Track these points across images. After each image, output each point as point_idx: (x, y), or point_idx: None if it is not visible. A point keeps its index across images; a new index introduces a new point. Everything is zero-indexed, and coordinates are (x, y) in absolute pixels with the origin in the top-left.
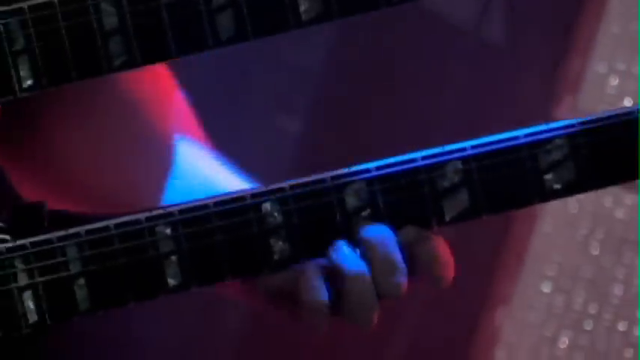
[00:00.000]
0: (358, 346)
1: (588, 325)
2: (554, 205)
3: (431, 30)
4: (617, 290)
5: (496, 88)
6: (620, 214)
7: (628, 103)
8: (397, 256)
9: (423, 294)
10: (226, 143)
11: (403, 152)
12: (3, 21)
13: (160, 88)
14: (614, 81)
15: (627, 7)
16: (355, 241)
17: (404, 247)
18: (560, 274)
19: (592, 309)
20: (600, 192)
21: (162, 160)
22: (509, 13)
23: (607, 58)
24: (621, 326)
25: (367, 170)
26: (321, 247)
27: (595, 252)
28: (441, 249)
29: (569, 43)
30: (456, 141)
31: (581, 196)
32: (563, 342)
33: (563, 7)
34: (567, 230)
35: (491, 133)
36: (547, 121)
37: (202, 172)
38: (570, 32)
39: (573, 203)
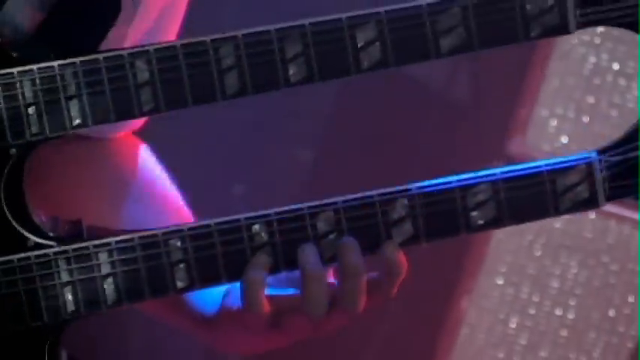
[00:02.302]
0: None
1: (532, 310)
2: None
3: (410, 90)
4: (555, 283)
5: (461, 130)
6: (558, 224)
7: (564, 140)
8: (361, 261)
9: (403, 284)
10: (247, 172)
11: (383, 182)
12: (60, 71)
13: (130, 146)
14: (553, 122)
15: (564, 66)
16: (323, 259)
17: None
18: (510, 271)
19: (535, 298)
20: None
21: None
22: (472, 77)
23: (548, 105)
24: (558, 311)
25: (335, 202)
26: (296, 262)
27: (538, 254)
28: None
29: (519, 94)
30: (425, 176)
31: None
32: (513, 323)
33: (514, 67)
34: (516, 237)
35: (454, 167)
36: (502, 154)
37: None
38: (520, 86)
39: None
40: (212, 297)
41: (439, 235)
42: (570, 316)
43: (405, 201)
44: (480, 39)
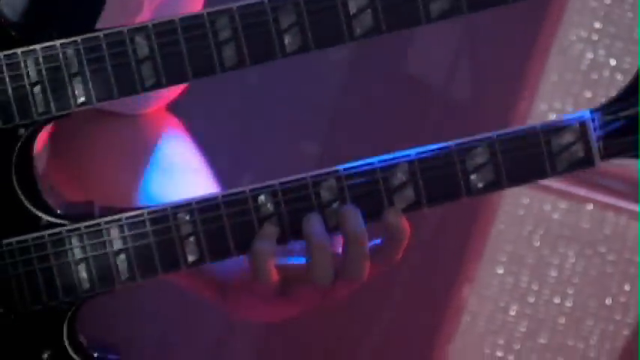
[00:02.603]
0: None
1: (531, 299)
2: (506, 209)
3: (412, 84)
4: (553, 272)
5: (462, 122)
6: (556, 215)
7: None
8: (364, 230)
9: (406, 273)
10: (255, 163)
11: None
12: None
13: (159, 121)
14: (552, 116)
15: (563, 62)
16: (328, 227)
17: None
18: (510, 260)
19: (534, 286)
20: (540, 198)
21: (159, 171)
22: (474, 72)
23: (547, 99)
24: (556, 300)
25: (336, 170)
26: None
27: (537, 244)
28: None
29: (519, 88)
30: None
31: (526, 201)
32: (513, 310)
33: (515, 62)
34: (516, 227)
35: None
36: None
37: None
38: (520, 80)
39: (521, 208)
40: (231, 264)
41: (440, 199)
42: (568, 304)
43: (406, 167)
44: (468, 2)
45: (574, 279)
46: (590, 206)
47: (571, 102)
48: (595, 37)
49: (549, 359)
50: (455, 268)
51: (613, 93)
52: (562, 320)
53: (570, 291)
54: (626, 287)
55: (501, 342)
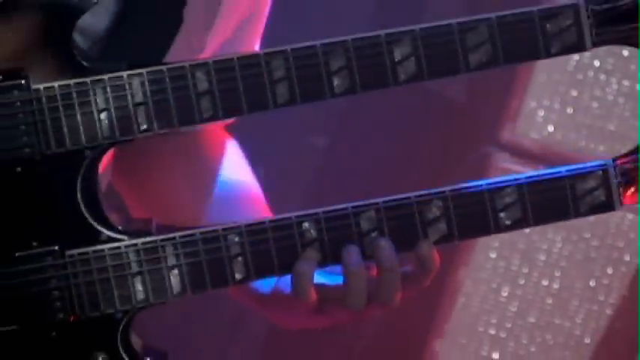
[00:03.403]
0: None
1: (521, 281)
2: None
3: (413, 86)
4: (542, 257)
5: (459, 119)
6: None
7: (551, 128)
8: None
9: (406, 256)
10: (265, 157)
11: (390, 181)
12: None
13: (217, 140)
14: (541, 113)
15: (551, 63)
16: (365, 255)
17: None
18: (502, 246)
19: (524, 269)
20: None
21: (216, 190)
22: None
23: (537, 97)
24: (544, 282)
25: (376, 203)
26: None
27: (527, 230)
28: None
29: (511, 87)
30: (425, 176)
31: None
32: (505, 292)
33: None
34: None
35: (453, 152)
36: (495, 141)
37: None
38: (511, 80)
39: None
40: (274, 280)
41: (471, 234)
42: (555, 285)
43: (440, 202)
44: (504, 55)
45: (561, 262)
46: None
47: (558, 100)
48: None
49: (538, 336)
50: (451, 253)
51: (597, 91)
52: (550, 301)
53: (557, 274)
54: (609, 270)
55: (494, 321)
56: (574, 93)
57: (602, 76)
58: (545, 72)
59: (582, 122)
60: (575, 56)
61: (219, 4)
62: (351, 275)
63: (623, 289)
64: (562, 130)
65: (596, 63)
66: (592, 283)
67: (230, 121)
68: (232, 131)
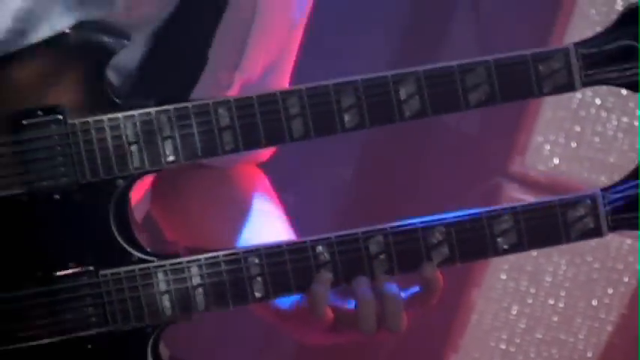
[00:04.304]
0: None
1: (530, 300)
2: None
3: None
4: (548, 278)
5: (471, 151)
6: None
7: (556, 161)
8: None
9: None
10: (292, 187)
11: (410, 207)
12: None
13: (251, 173)
14: (547, 147)
15: (556, 100)
16: (372, 279)
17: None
18: (511, 268)
19: (532, 290)
20: None
21: (243, 219)
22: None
23: (543, 132)
24: (550, 301)
25: (384, 228)
26: (353, 277)
27: (534, 254)
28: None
29: (519, 122)
30: (440, 205)
31: None
32: (514, 310)
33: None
34: None
35: (467, 182)
36: (505, 172)
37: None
38: (520, 116)
39: None
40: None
41: (471, 257)
42: (560, 304)
43: (442, 228)
44: (501, 94)
45: (565, 283)
46: None
47: (563, 135)
48: None
49: (545, 351)
50: (465, 275)
51: (598, 127)
52: (555, 318)
53: (562, 293)
54: (609, 291)
55: (504, 337)
56: (577, 128)
57: (603, 113)
58: (551, 109)
59: (585, 155)
60: (578, 94)
61: (245, 46)
62: (361, 304)
63: (622, 307)
64: (567, 163)
65: (598, 101)
66: (594, 302)
67: (265, 157)
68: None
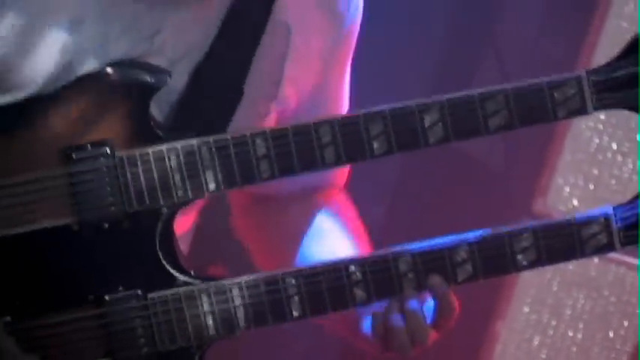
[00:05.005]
0: None
1: (550, 331)
2: None
3: (459, 161)
4: (568, 311)
5: (497, 193)
6: (570, 266)
7: (575, 202)
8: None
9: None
10: None
11: (438, 233)
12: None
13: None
14: (567, 189)
15: (575, 145)
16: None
17: (433, 292)
18: (534, 301)
19: (553, 322)
20: None
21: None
22: (506, 153)
23: (563, 175)
24: (570, 332)
25: (411, 249)
26: (384, 295)
27: (555, 288)
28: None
29: (542, 166)
30: (466, 227)
31: None
32: (536, 341)
33: (537, 146)
34: (538, 276)
35: (493, 221)
36: (528, 212)
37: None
38: (542, 160)
39: None
40: None
41: (493, 273)
42: (579, 336)
43: (466, 247)
44: (519, 119)
45: (584, 316)
46: (596, 259)
47: (582, 177)
48: (600, 126)
49: None
50: (490, 307)
51: (615, 170)
52: (574, 349)
53: (581, 326)
54: (625, 323)
55: None
56: (595, 171)
57: (619, 157)
58: (571, 153)
59: (602, 197)
60: (596, 139)
61: (281, 77)
62: (394, 332)
63: (636, 339)
64: (585, 203)
65: (614, 146)
66: (610, 334)
67: (342, 180)
68: None
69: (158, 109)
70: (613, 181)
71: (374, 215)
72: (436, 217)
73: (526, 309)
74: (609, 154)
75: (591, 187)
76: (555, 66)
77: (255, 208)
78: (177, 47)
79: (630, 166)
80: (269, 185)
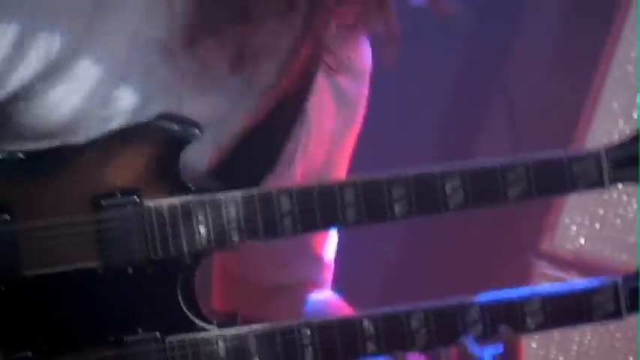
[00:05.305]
0: None
1: None
2: None
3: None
4: (574, 346)
5: (505, 232)
6: None
7: (582, 241)
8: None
9: None
10: (340, 260)
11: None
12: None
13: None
14: (573, 228)
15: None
16: (415, 347)
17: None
18: (541, 337)
19: (560, 357)
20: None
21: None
22: None
23: (570, 214)
24: None
25: (424, 307)
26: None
27: None
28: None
29: (549, 206)
30: (478, 278)
31: None
32: None
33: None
34: None
35: (502, 258)
36: (536, 251)
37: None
38: (549, 200)
39: None
40: None
41: (505, 338)
42: None
43: (478, 308)
44: (537, 190)
45: (590, 352)
46: None
47: (588, 217)
48: None
49: None
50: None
51: (620, 210)
52: None
53: None
54: (630, 358)
55: None
56: (601, 211)
57: (625, 197)
58: (575, 195)
59: (608, 235)
60: None
61: (294, 160)
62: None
63: None
64: (591, 242)
65: (619, 186)
66: None
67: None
68: None
69: (188, 164)
70: (618, 221)
71: (383, 254)
72: (445, 256)
73: (534, 345)
74: (614, 194)
75: (597, 226)
76: (562, 109)
77: (238, 293)
78: (208, 118)
79: (635, 206)
80: (259, 274)
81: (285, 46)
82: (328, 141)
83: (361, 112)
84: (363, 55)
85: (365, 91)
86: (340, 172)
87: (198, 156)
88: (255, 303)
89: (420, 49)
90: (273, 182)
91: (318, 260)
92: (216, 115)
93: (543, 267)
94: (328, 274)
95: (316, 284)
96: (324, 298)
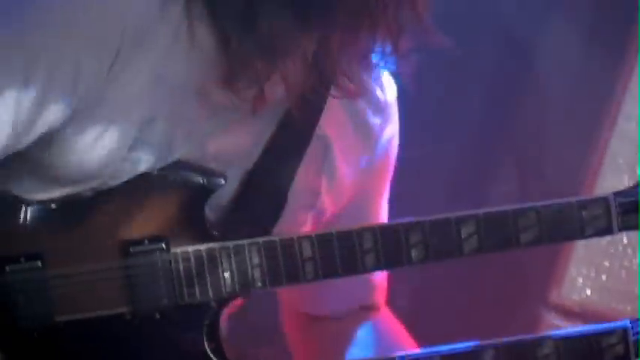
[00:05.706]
0: None
1: None
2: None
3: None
4: None
5: (514, 283)
6: None
7: (588, 292)
8: None
9: None
10: None
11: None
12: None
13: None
14: (580, 279)
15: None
16: None
17: None
18: None
19: None
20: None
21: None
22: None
23: (577, 266)
24: None
25: (440, 350)
26: None
27: None
28: None
29: (556, 258)
30: (488, 328)
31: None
32: None
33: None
34: None
35: (511, 309)
36: (545, 302)
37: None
38: (557, 253)
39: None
40: None
41: None
42: None
43: (492, 352)
44: (548, 235)
45: None
46: None
47: (594, 269)
48: None
49: None
50: None
51: (625, 262)
52: None
53: None
54: None
55: None
56: (607, 263)
57: (630, 250)
58: (584, 246)
59: (614, 287)
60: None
61: (320, 190)
62: None
63: None
64: (597, 294)
65: (625, 240)
66: None
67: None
68: None
69: (212, 209)
70: (623, 272)
71: (396, 308)
72: (455, 307)
73: None
74: (620, 247)
75: (603, 277)
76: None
77: (311, 328)
78: (231, 154)
79: None
80: (323, 307)
81: (300, 73)
82: (353, 176)
83: (391, 152)
84: (384, 86)
85: (391, 128)
86: (376, 213)
87: (223, 191)
88: (330, 334)
89: (434, 104)
90: (302, 217)
91: (368, 282)
92: (239, 152)
93: (551, 318)
94: (380, 296)
95: (370, 307)
96: (382, 323)
